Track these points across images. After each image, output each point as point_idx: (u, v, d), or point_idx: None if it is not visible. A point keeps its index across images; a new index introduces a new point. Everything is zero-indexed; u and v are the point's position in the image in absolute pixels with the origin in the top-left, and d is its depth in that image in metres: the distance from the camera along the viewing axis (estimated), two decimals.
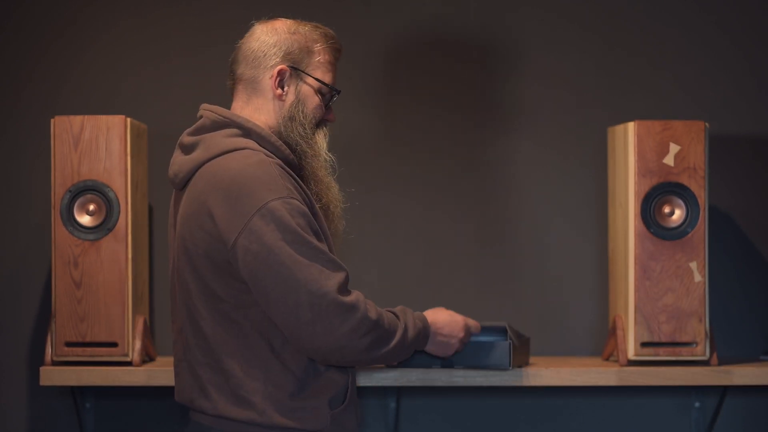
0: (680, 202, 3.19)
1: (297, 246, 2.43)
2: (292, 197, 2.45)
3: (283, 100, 2.61)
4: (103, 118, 3.16)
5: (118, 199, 3.14)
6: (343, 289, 2.46)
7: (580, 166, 3.59)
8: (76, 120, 3.15)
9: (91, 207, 3.15)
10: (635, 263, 3.18)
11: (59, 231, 3.14)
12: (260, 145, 2.56)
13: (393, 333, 2.55)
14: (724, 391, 3.41)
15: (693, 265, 3.18)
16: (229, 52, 2.64)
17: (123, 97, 3.56)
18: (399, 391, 3.49)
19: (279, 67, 2.60)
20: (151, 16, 3.58)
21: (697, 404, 3.50)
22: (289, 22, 2.64)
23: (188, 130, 2.63)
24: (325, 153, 2.65)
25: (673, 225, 3.19)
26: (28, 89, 3.57)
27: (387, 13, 3.59)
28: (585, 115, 3.59)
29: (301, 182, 2.56)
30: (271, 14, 2.69)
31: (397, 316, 2.61)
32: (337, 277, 2.45)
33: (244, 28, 2.69)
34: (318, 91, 2.63)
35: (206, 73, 3.56)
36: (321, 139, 2.65)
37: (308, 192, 2.57)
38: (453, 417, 3.56)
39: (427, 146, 3.59)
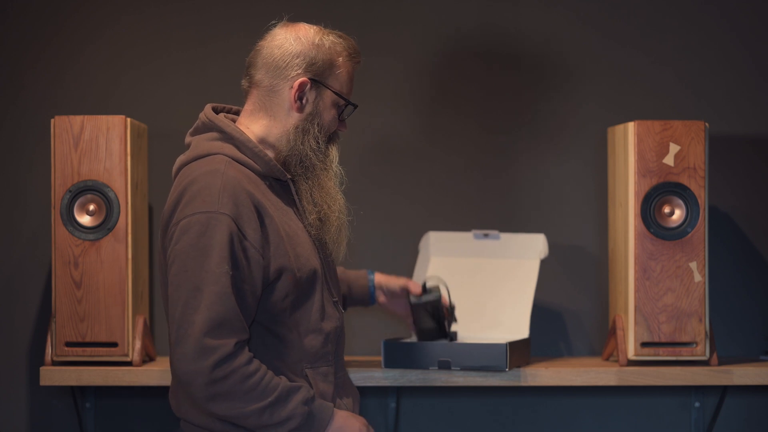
0: (680, 202, 3.19)
1: (193, 265, 2.38)
2: (222, 212, 2.41)
3: (300, 112, 2.56)
4: (103, 118, 3.15)
5: (118, 199, 3.14)
6: (214, 327, 2.35)
7: (580, 166, 3.59)
8: (76, 120, 3.15)
9: (91, 207, 3.15)
10: (635, 263, 3.18)
11: (59, 231, 3.14)
12: (240, 151, 2.53)
13: (255, 399, 2.39)
14: (724, 391, 3.41)
15: (693, 265, 3.18)
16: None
17: (123, 97, 3.55)
18: (399, 391, 3.49)
19: (301, 80, 2.55)
20: (150, 15, 3.58)
21: (697, 404, 3.50)
22: (312, 30, 2.58)
23: (190, 130, 2.63)
24: (336, 166, 2.62)
25: (673, 225, 3.19)
26: (28, 89, 3.57)
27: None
28: (585, 115, 3.59)
29: (270, 192, 2.53)
30: (292, 14, 2.66)
31: (287, 394, 2.43)
32: (211, 314, 2.35)
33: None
34: (335, 104, 2.60)
35: (207, 73, 3.56)
36: (333, 153, 2.62)
37: (269, 202, 2.51)
38: (453, 417, 3.56)
39: (425, 145, 3.59)
